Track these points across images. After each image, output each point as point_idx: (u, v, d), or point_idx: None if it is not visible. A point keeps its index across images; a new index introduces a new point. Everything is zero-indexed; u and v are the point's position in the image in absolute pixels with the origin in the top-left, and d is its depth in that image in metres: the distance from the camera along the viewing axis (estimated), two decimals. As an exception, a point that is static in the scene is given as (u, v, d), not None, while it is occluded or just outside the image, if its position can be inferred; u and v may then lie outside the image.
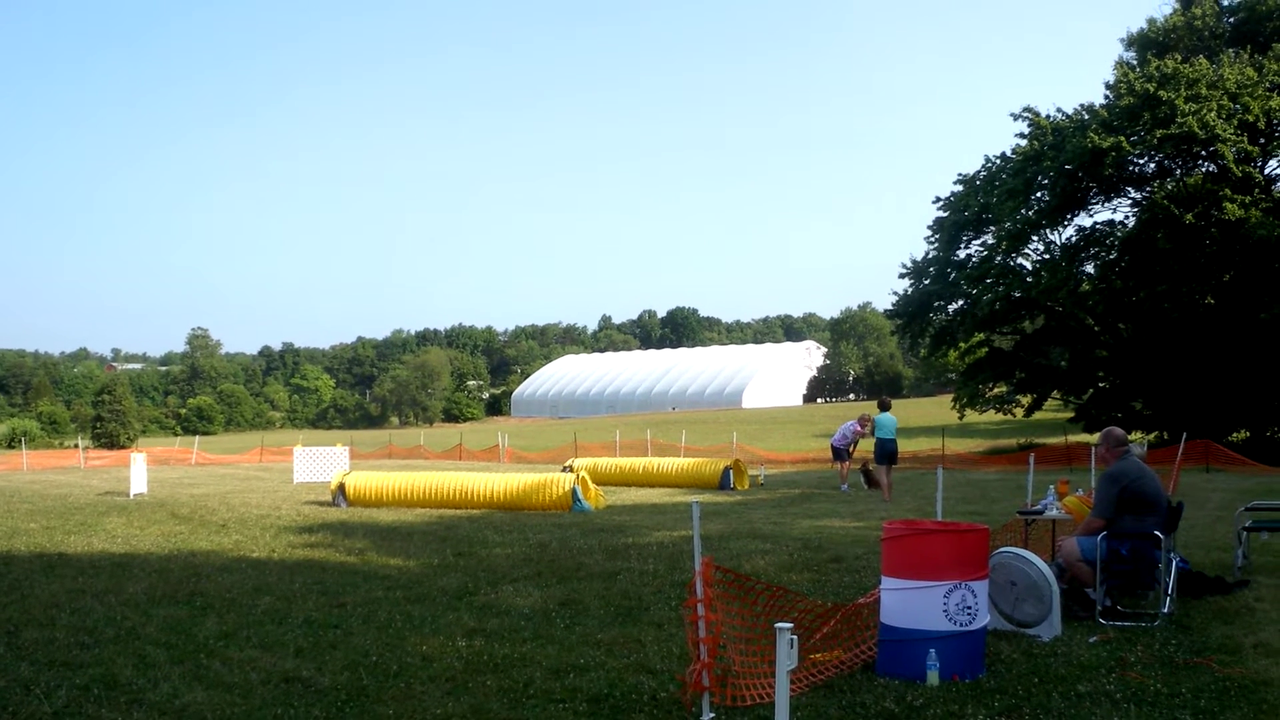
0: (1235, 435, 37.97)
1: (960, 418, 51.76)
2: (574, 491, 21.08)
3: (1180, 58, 37.14)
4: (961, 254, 42.73)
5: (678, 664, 7.70)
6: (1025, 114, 40.46)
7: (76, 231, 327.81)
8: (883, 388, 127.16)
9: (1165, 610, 9.16)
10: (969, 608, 7.43)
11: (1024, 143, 39.90)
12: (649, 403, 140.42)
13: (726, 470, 28.19)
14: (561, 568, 12.87)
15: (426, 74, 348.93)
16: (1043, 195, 38.89)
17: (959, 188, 42.51)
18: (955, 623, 7.38)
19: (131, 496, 25.52)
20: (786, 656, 5.39)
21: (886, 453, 23.86)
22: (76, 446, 63.23)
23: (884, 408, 24.36)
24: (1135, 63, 43.24)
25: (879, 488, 26.20)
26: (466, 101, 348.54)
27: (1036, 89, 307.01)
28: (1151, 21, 46.16)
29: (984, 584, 7.67)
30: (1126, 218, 41.03)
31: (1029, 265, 41.42)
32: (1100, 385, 42.79)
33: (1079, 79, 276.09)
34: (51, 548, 15.73)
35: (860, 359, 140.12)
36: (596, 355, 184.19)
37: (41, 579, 12.51)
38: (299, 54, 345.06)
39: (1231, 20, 43.00)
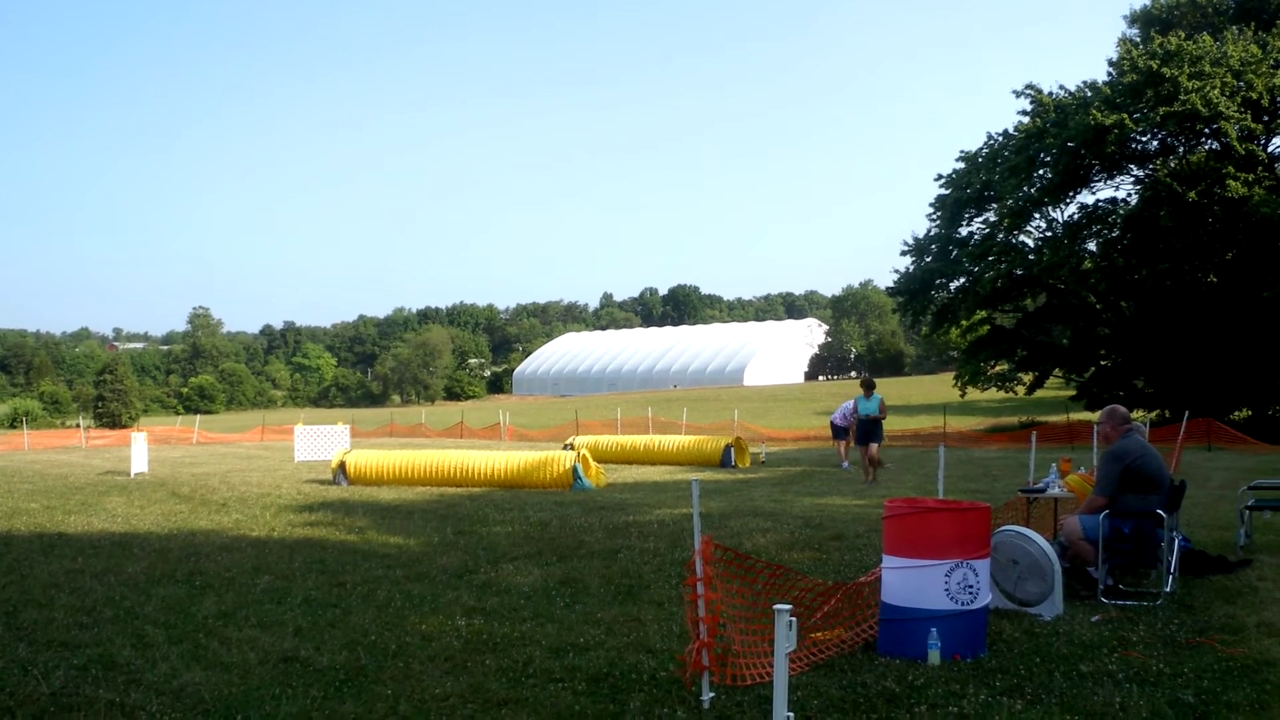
0: (1237, 414, 37.94)
1: (962, 395, 51.90)
2: (575, 469, 21.06)
3: (1184, 34, 37.04)
4: (963, 231, 42.66)
5: (678, 643, 7.68)
6: (1028, 91, 40.37)
7: (78, 212, 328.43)
8: (885, 365, 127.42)
9: (1167, 589, 9.13)
10: (971, 587, 7.40)
11: (1026, 120, 39.82)
12: (650, 380, 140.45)
13: (728, 448, 28.15)
14: (562, 546, 12.85)
15: (429, 58, 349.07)
16: (1045, 173, 38.81)
17: (961, 165, 42.39)
18: (957, 602, 7.35)
19: (132, 476, 25.53)
20: (785, 639, 5.36)
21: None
22: (78, 426, 63.22)
23: (872, 388, 23.71)
24: (1138, 39, 43.15)
25: (882, 466, 26.21)
26: (468, 85, 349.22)
27: (1039, 66, 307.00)
28: (1155, -2, 46.05)
29: (986, 563, 7.64)
30: (1129, 195, 40.95)
31: (1031, 243, 41.40)
32: (1102, 363, 42.77)
33: (1082, 56, 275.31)
34: (51, 527, 15.72)
35: (862, 337, 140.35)
36: (598, 333, 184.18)
37: (41, 559, 12.50)
38: (302, 39, 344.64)
39: (1235, -3, 42.87)
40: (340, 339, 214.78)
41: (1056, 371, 45.63)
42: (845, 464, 26.38)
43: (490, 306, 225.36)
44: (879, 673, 6.99)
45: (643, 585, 10.25)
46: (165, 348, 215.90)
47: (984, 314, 46.03)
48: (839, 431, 27.25)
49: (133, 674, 7.29)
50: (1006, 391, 51.20)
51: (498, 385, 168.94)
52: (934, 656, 7.19)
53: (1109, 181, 40.99)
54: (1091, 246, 41.27)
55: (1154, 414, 38.47)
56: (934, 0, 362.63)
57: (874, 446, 22.92)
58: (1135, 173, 40.42)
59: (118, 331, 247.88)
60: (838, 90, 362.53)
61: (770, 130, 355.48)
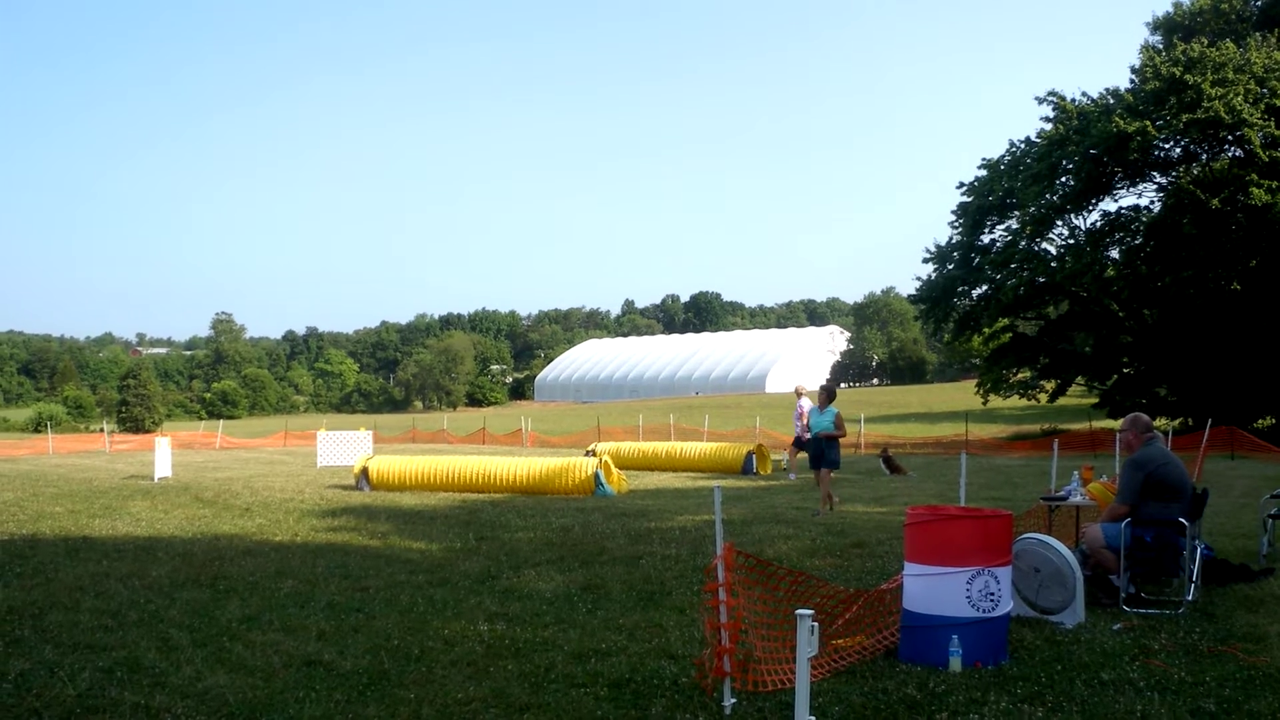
0: (1260, 422, 37.77)
1: (984, 403, 51.76)
2: (596, 476, 21.06)
3: (1206, 41, 36.91)
4: (985, 239, 42.63)
5: (700, 649, 7.68)
6: (1050, 98, 40.32)
7: (101, 217, 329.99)
8: (907, 373, 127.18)
9: (1189, 598, 9.10)
10: (992, 594, 7.40)
11: (1049, 127, 39.77)
12: (672, 387, 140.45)
13: (749, 455, 28.11)
14: (584, 552, 12.87)
15: (452, 60, 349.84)
16: (1067, 180, 38.72)
17: (983, 172, 42.37)
18: (978, 609, 7.34)
19: (156, 480, 25.60)
20: (807, 644, 5.37)
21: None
22: (101, 431, 63.52)
23: (831, 398, 18.17)
24: (1161, 46, 43.00)
25: (900, 473, 26.14)
26: (489, 90, 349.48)
27: (1062, 73, 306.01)
28: (1178, 5, 45.95)
29: (1007, 570, 7.63)
30: (1152, 203, 40.84)
31: (1053, 250, 41.31)
32: (1125, 371, 42.64)
33: (1105, 63, 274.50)
34: (76, 531, 15.79)
35: (884, 344, 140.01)
36: (620, 339, 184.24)
37: (66, 562, 12.56)
38: (325, 37, 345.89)
39: (1259, 3, 42.74)
40: (363, 345, 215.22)
41: (1079, 379, 45.50)
42: (793, 475, 24.89)
43: (512, 313, 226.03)
44: (900, 680, 6.99)
45: (664, 591, 10.26)
46: (188, 353, 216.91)
47: (1006, 321, 46.01)
48: (801, 443, 23.79)
49: (157, 677, 7.34)
50: (1028, 399, 51.01)
51: (520, 391, 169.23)
52: (955, 664, 7.19)
53: (1131, 189, 40.93)
54: (1114, 254, 41.17)
55: (1177, 422, 38.35)
56: (957, 7, 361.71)
57: (826, 472, 17.81)
58: (1158, 180, 40.32)
59: (141, 337, 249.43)
60: (859, 97, 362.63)
61: (793, 136, 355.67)
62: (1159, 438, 9.99)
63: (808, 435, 21.70)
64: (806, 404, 23.45)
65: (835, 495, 18.21)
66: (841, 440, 18.01)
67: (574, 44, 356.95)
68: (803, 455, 22.49)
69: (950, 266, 43.01)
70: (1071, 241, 41.04)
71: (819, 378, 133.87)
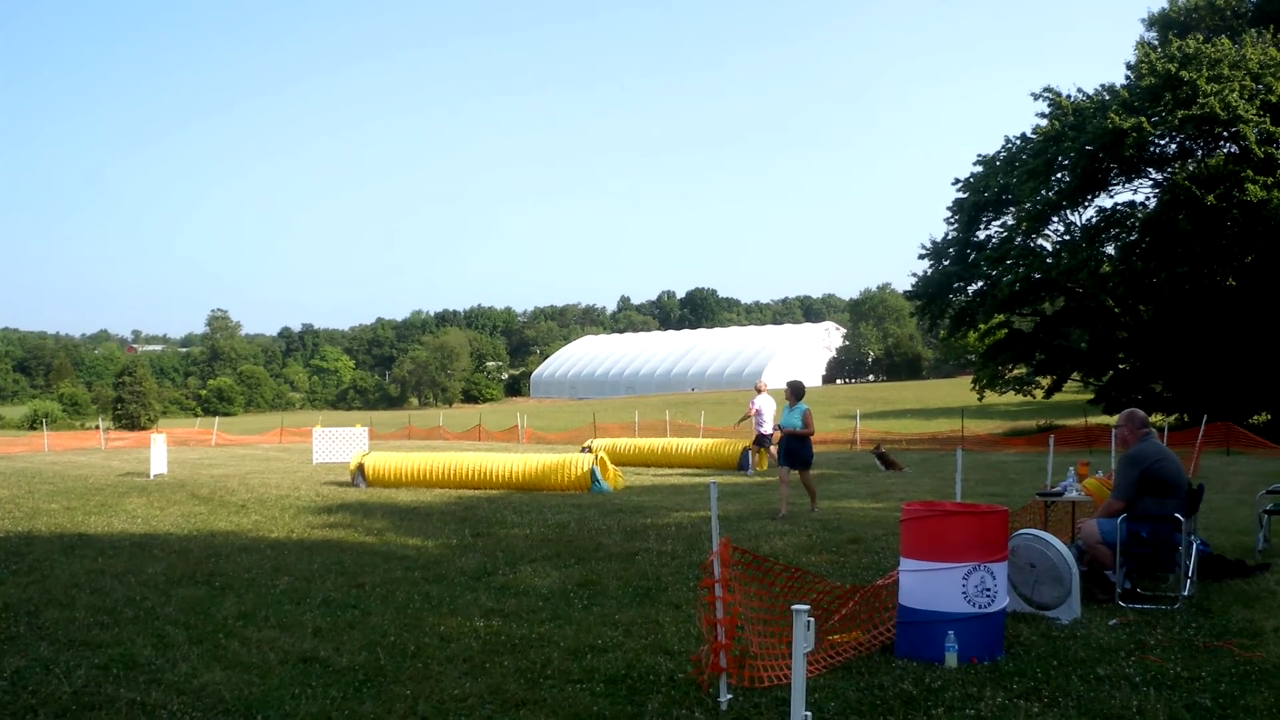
0: (1256, 418, 37.78)
1: (980, 399, 51.80)
2: (593, 472, 21.07)
3: (1202, 38, 36.93)
4: (981, 235, 42.64)
5: (696, 645, 7.68)
6: (1046, 94, 40.31)
7: (97, 215, 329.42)
8: (903, 369, 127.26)
9: (1185, 593, 9.11)
10: (988, 590, 7.40)
11: (1044, 123, 39.76)
12: (668, 383, 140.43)
13: (745, 451, 28.10)
14: (580, 548, 12.87)
15: (443, 59, 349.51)
16: (1063, 176, 38.73)
17: (979, 169, 42.37)
18: (974, 605, 7.35)
19: (151, 477, 25.60)
20: (803, 639, 5.37)
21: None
22: (97, 428, 63.38)
23: (800, 395, 17.13)
24: (1156, 43, 43.02)
25: (896, 469, 26.15)
26: (484, 87, 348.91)
27: (1057, 69, 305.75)
28: (1173, 1, 45.91)
29: (1003, 566, 7.64)
30: (1147, 199, 40.80)
31: (1049, 246, 41.29)
32: (1120, 367, 42.65)
33: (1101, 60, 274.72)
34: (72, 528, 15.79)
35: (880, 340, 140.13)
36: (615, 336, 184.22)
37: (62, 559, 12.56)
38: (317, 37, 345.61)
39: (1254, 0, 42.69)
40: (358, 341, 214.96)
41: (1074, 375, 45.53)
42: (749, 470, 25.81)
43: (508, 309, 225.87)
44: (896, 675, 7.00)
45: (661, 587, 10.26)
46: (184, 350, 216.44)
47: (1002, 317, 45.98)
48: (763, 440, 24.41)
49: (154, 673, 7.34)
50: (1024, 395, 51.12)
51: (515, 388, 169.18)
52: (951, 659, 7.20)
53: (1127, 185, 40.90)
54: (1110, 250, 41.11)
55: (1172, 418, 38.34)
56: (952, 4, 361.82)
57: (807, 472, 17.15)
58: (1153, 176, 40.30)
59: (137, 334, 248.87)
60: (854, 94, 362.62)
61: (787, 133, 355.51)
62: (1154, 433, 9.99)
63: (763, 430, 24.06)
64: (761, 401, 24.41)
65: (788, 504, 16.67)
66: (826, 437, 18.12)
67: (572, 42, 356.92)
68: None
69: (946, 263, 43.03)
70: (1067, 238, 41.05)
71: (815, 374, 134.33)
